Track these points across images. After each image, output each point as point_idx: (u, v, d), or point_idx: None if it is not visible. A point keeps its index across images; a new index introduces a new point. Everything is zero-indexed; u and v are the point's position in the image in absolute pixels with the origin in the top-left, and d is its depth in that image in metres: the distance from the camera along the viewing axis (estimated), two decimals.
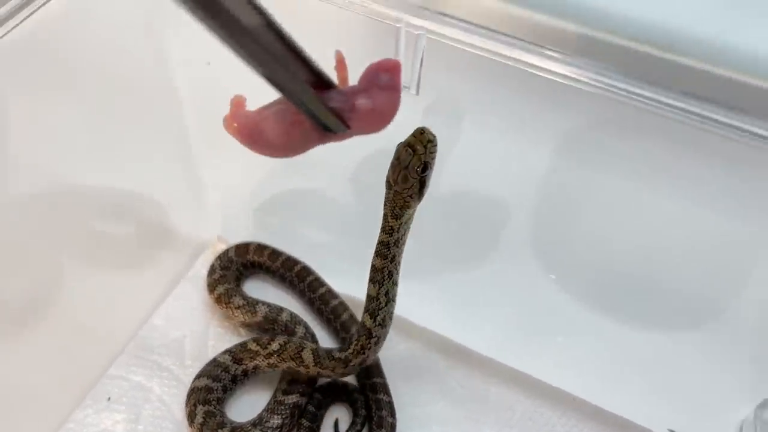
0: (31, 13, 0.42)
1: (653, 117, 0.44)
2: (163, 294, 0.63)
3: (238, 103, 0.36)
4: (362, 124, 0.37)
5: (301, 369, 0.54)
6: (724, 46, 0.80)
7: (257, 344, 0.55)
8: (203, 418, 0.53)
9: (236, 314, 0.59)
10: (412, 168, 0.42)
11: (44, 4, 0.43)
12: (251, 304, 0.59)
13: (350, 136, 0.37)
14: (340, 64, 0.37)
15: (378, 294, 0.49)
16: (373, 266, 0.49)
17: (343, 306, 0.61)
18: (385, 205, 0.46)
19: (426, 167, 0.43)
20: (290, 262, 0.63)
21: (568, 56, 0.45)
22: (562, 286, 0.59)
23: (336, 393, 0.57)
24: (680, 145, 0.45)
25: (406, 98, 0.47)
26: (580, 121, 0.50)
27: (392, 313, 0.51)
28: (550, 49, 0.45)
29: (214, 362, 0.56)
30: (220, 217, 0.67)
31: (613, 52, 0.82)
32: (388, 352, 0.59)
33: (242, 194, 0.67)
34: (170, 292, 0.63)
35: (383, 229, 0.47)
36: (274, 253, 0.64)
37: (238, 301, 0.59)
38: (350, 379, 0.58)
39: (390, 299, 0.50)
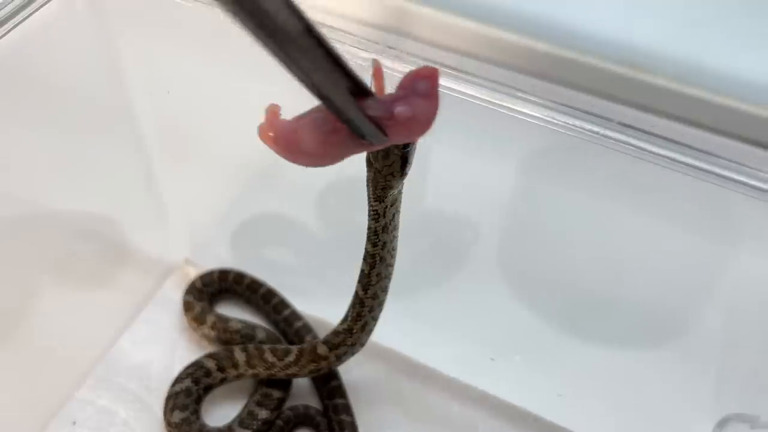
0: None
1: (613, 138, 0.45)
2: (131, 317, 0.64)
3: (273, 112, 0.35)
4: (400, 132, 0.36)
5: (323, 365, 0.54)
6: (691, 66, 0.81)
7: (274, 355, 0.55)
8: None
9: (211, 333, 0.60)
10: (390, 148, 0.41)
11: (4, 34, 0.44)
12: (223, 320, 0.61)
13: (388, 144, 0.37)
14: (378, 73, 0.36)
15: (370, 273, 0.49)
16: (365, 251, 0.48)
17: (306, 328, 0.62)
18: (367, 187, 0.45)
19: (406, 147, 0.41)
20: (255, 285, 0.64)
21: (528, 89, 0.47)
22: (525, 306, 0.60)
23: (299, 416, 0.58)
24: (642, 163, 0.46)
25: None
26: (546, 139, 0.50)
27: (385, 289, 0.51)
28: (513, 85, 0.46)
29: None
30: (188, 240, 0.68)
31: (579, 72, 0.83)
32: (351, 374, 0.60)
33: (208, 217, 0.67)
34: (138, 314, 0.64)
35: (369, 215, 0.46)
36: (239, 276, 0.65)
37: (211, 318, 0.61)
38: (314, 402, 0.59)
39: (382, 278, 0.50)
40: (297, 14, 0.26)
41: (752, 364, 0.54)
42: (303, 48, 0.28)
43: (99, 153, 0.57)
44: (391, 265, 0.50)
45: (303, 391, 0.60)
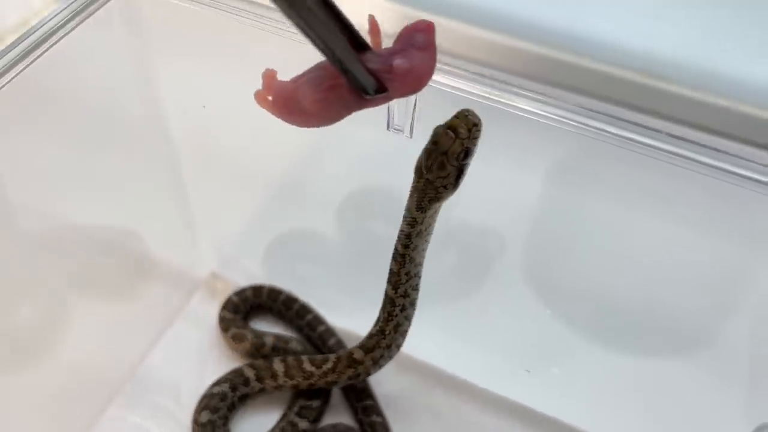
0: (33, 61, 0.44)
1: (639, 145, 0.45)
2: (160, 332, 0.64)
3: (270, 75, 0.35)
4: (400, 86, 0.36)
5: (360, 370, 0.54)
6: (706, 73, 0.82)
7: (312, 364, 0.55)
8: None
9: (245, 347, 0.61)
10: (452, 154, 0.40)
11: (44, 52, 0.44)
12: (259, 336, 0.61)
13: (387, 100, 0.36)
14: (374, 28, 0.36)
15: (399, 271, 0.48)
16: (395, 250, 0.48)
17: (339, 344, 0.62)
18: (411, 196, 0.44)
19: (468, 154, 0.41)
20: (289, 301, 0.64)
21: (552, 97, 0.46)
22: (556, 316, 0.60)
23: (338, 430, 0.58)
24: (670, 170, 0.46)
25: (400, 140, 0.48)
26: (571, 148, 0.50)
27: (416, 287, 0.51)
28: (537, 93, 0.45)
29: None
30: (215, 253, 0.68)
31: (596, 81, 0.84)
32: (383, 387, 0.60)
33: (235, 231, 0.68)
34: (166, 330, 0.64)
35: (405, 220, 0.45)
36: (273, 292, 0.65)
37: (248, 334, 0.61)
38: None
39: (412, 276, 0.49)
40: None
41: None
42: (308, 4, 0.29)
43: (130, 168, 0.58)
44: (420, 265, 0.49)
45: (338, 410, 0.61)
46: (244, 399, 0.58)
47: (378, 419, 0.58)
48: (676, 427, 0.60)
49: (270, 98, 0.35)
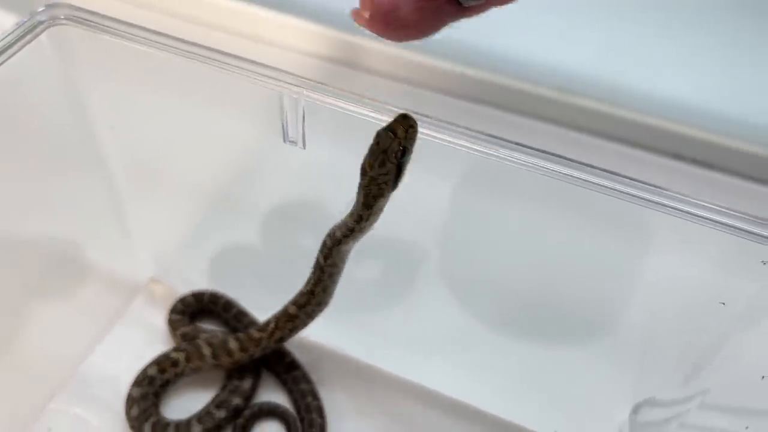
0: None
1: (535, 162, 0.48)
2: (102, 333, 0.67)
3: None
4: None
5: (297, 323, 0.58)
6: (615, 87, 0.87)
7: (259, 332, 0.60)
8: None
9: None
10: (391, 152, 0.42)
11: None
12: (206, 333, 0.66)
13: (485, 8, 0.35)
14: None
15: (332, 247, 0.51)
16: (333, 233, 0.50)
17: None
18: (358, 193, 0.46)
19: (405, 152, 0.43)
20: (229, 305, 0.69)
21: (445, 122, 0.49)
22: (467, 311, 0.64)
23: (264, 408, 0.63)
24: (563, 178, 0.49)
25: (294, 151, 0.52)
26: (478, 162, 0.52)
27: (344, 259, 0.53)
28: (432, 119, 0.48)
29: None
30: (152, 260, 0.71)
31: (507, 94, 0.89)
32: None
33: (171, 239, 0.71)
34: (108, 331, 0.67)
35: (351, 216, 0.48)
36: (214, 297, 0.69)
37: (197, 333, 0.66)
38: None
39: (342, 252, 0.52)
40: None
41: (662, 357, 0.58)
42: None
43: (69, 185, 0.61)
44: (353, 246, 0.52)
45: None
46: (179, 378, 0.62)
47: (306, 386, 0.63)
48: (570, 406, 0.63)
49: (367, 15, 0.34)
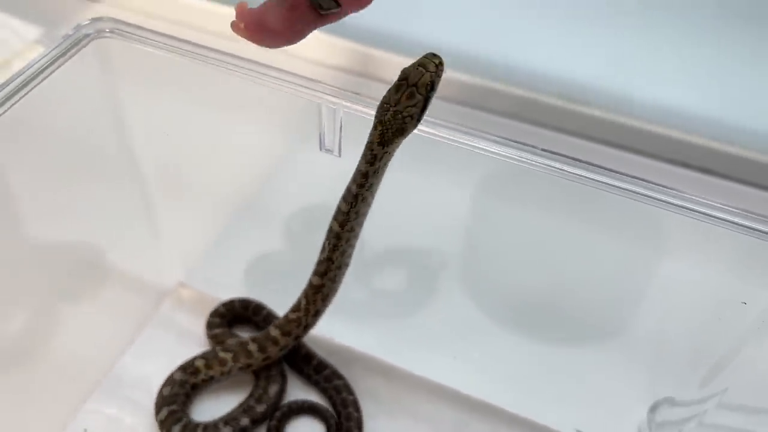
0: (21, 98, 0.50)
1: (548, 167, 0.49)
2: (132, 335, 0.69)
3: (241, 6, 0.38)
4: (351, 1, 0.38)
5: (325, 291, 0.57)
6: (614, 96, 0.90)
7: (293, 311, 0.60)
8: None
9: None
10: (421, 84, 0.43)
11: (29, 92, 0.51)
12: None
13: (342, 15, 0.39)
14: None
15: (349, 211, 0.50)
16: (348, 191, 0.50)
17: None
18: (372, 134, 0.46)
19: (433, 87, 0.44)
20: (262, 311, 0.71)
21: (470, 127, 0.50)
22: (489, 315, 0.65)
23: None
24: (577, 185, 0.50)
25: (330, 159, 0.55)
26: (494, 168, 0.54)
27: (361, 224, 0.53)
28: (456, 123, 0.50)
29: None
30: (181, 265, 0.73)
31: (517, 104, 0.91)
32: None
33: (198, 246, 0.73)
34: (139, 333, 0.69)
35: (364, 158, 0.47)
36: (246, 302, 0.71)
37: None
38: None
39: (360, 215, 0.51)
40: None
41: (678, 357, 0.59)
42: None
43: (104, 191, 0.63)
44: (370, 205, 0.51)
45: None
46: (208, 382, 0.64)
47: (340, 382, 0.65)
48: (590, 405, 0.64)
49: (242, 25, 0.38)
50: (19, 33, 1.02)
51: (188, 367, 0.64)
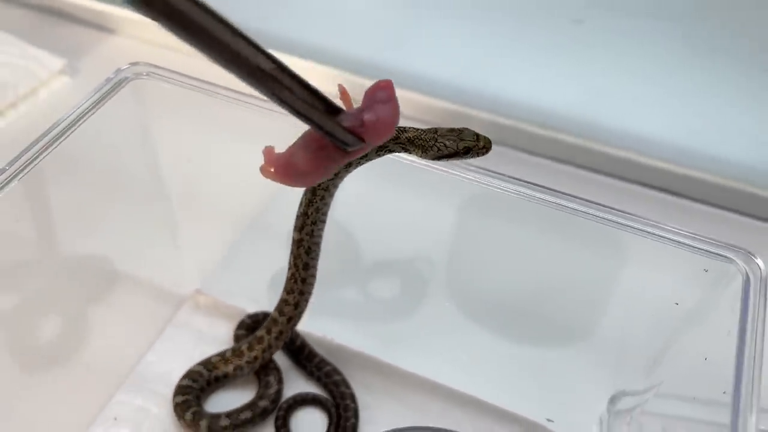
0: (72, 131, 0.57)
1: (525, 192, 0.55)
2: (154, 337, 0.76)
3: (269, 151, 0.39)
4: (373, 135, 0.39)
5: (301, 273, 0.61)
6: (588, 124, 0.98)
7: (279, 314, 0.65)
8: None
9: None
10: (464, 139, 0.47)
11: (76, 129, 0.58)
12: None
13: (366, 149, 0.40)
14: (344, 94, 0.40)
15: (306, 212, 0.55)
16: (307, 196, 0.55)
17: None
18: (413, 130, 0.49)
19: (467, 152, 0.47)
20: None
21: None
22: (471, 319, 0.71)
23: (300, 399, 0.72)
24: (548, 209, 0.55)
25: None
26: (475, 190, 0.59)
27: (320, 233, 0.57)
28: None
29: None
30: (197, 275, 0.80)
31: (500, 131, 1.00)
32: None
33: (214, 257, 0.80)
34: (159, 335, 0.76)
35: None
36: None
37: None
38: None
39: (317, 222, 0.56)
40: (267, 55, 0.30)
41: (633, 354, 0.66)
42: (280, 81, 0.32)
43: (133, 210, 0.70)
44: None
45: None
46: (220, 379, 0.70)
47: (339, 377, 0.72)
48: (559, 398, 0.70)
49: (272, 169, 0.39)
50: (43, 63, 1.10)
51: (206, 364, 0.72)
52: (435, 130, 0.48)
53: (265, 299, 0.78)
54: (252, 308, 0.78)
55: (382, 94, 0.39)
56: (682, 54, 0.99)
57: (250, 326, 0.76)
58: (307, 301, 0.65)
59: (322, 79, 0.97)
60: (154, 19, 0.25)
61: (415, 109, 0.98)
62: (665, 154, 0.94)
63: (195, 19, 0.26)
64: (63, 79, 1.06)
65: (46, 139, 0.56)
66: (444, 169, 0.56)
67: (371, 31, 1.05)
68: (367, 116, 0.38)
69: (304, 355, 0.75)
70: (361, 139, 0.39)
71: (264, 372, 0.72)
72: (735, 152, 0.96)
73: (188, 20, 0.26)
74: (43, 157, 0.55)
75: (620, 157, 0.95)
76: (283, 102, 0.33)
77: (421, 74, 1.03)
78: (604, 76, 1.02)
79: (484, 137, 0.49)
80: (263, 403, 0.70)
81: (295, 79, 0.33)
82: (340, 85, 0.41)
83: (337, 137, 0.38)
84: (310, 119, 0.35)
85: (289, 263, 0.61)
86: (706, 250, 0.53)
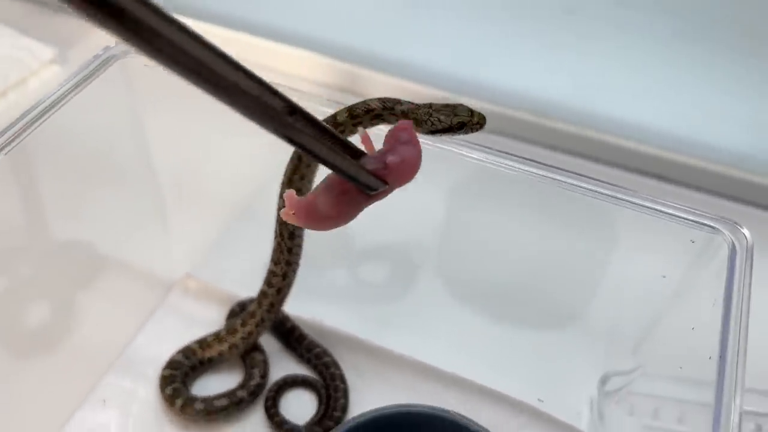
0: (52, 114, 0.56)
1: (518, 170, 0.55)
2: (144, 321, 0.76)
3: (290, 196, 0.38)
4: (396, 177, 0.39)
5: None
6: (582, 112, 0.99)
7: (267, 285, 0.65)
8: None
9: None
10: (458, 114, 0.47)
11: (59, 108, 0.57)
12: None
13: (390, 191, 0.40)
14: (366, 139, 0.40)
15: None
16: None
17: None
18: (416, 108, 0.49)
19: (461, 127, 0.48)
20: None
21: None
22: (463, 301, 0.72)
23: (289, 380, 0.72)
24: (543, 187, 0.55)
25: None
26: (465, 173, 0.61)
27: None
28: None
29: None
30: (187, 259, 0.80)
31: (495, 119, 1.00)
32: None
33: (204, 242, 0.80)
34: (149, 319, 0.76)
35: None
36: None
37: None
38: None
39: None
40: (278, 95, 0.29)
41: (622, 335, 0.67)
42: (300, 127, 0.30)
43: (122, 194, 0.70)
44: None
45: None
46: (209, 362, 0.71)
47: (329, 359, 0.72)
48: (544, 378, 0.71)
49: (292, 213, 0.38)
50: (34, 53, 1.10)
51: (201, 342, 0.72)
52: (430, 105, 0.49)
53: (255, 284, 0.76)
54: (242, 293, 0.79)
55: (404, 135, 0.39)
56: (672, 42, 0.99)
57: (238, 314, 0.77)
58: (294, 272, 0.64)
59: (316, 67, 0.97)
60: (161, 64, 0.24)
61: (408, 98, 0.98)
62: (657, 140, 0.95)
63: (197, 55, 0.25)
64: (53, 68, 1.06)
65: (32, 114, 0.56)
66: (435, 144, 0.55)
67: (364, 20, 1.05)
68: (391, 158, 0.38)
69: (294, 338, 0.75)
70: (385, 182, 0.39)
71: (251, 363, 0.72)
72: (727, 138, 0.96)
73: (191, 61, 0.25)
74: (29, 133, 0.55)
75: (613, 144, 0.96)
76: (304, 149, 0.32)
77: (415, 63, 1.04)
78: (596, 64, 1.03)
79: (478, 113, 0.49)
80: (241, 394, 0.69)
81: (314, 123, 0.31)
82: (363, 131, 0.41)
83: (360, 181, 0.37)
84: (333, 164, 0.35)
85: (275, 232, 0.61)
86: (693, 221, 0.53)
